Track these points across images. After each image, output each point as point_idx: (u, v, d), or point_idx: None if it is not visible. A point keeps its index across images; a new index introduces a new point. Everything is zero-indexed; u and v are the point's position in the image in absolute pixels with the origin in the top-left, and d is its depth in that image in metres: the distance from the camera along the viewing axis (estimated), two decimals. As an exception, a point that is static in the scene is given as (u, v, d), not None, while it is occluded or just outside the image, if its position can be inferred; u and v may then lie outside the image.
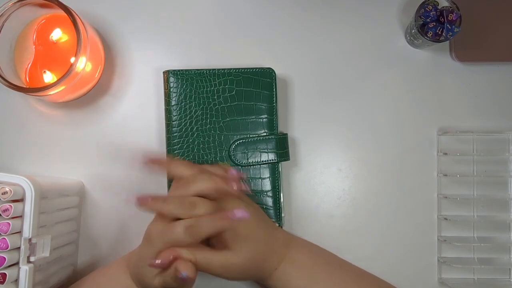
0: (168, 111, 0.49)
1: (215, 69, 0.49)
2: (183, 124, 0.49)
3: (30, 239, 0.38)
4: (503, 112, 0.53)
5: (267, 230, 0.44)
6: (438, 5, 0.49)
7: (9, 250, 0.36)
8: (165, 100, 0.49)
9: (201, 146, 0.48)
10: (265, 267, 0.43)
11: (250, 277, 0.44)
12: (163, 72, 0.49)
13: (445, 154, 0.52)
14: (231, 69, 0.49)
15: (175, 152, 0.48)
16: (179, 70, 0.49)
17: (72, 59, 0.43)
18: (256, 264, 0.42)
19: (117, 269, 0.44)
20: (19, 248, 0.38)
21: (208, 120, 0.49)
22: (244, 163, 0.48)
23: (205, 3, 0.53)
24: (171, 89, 0.49)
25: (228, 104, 0.49)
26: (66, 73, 0.43)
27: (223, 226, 0.40)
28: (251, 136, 0.49)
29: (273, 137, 0.49)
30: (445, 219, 0.51)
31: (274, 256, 0.43)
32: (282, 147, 0.49)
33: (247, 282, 0.51)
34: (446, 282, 0.51)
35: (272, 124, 0.49)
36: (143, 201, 0.40)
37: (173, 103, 0.49)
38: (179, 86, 0.49)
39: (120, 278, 0.43)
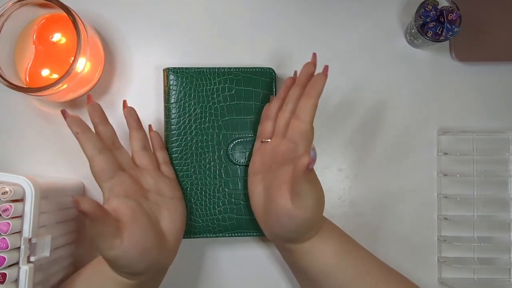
0: (167, 109, 0.49)
1: (215, 68, 0.49)
2: (181, 122, 0.49)
3: (30, 239, 0.38)
4: (503, 112, 0.53)
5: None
6: (438, 5, 0.49)
7: (9, 250, 0.36)
8: (165, 98, 0.49)
9: (199, 144, 0.48)
10: (289, 242, 0.42)
11: (282, 233, 0.41)
12: (163, 70, 0.49)
13: (445, 154, 0.52)
14: (231, 68, 0.49)
15: (173, 149, 0.48)
16: (179, 68, 0.49)
17: (72, 59, 0.43)
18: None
19: (103, 264, 0.42)
20: (19, 248, 0.38)
21: (207, 119, 0.49)
22: (242, 162, 0.48)
23: (205, 2, 0.53)
24: (171, 87, 0.49)
25: (228, 103, 0.49)
26: (66, 73, 0.43)
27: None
28: (249, 135, 0.49)
29: (272, 137, 0.49)
30: (445, 219, 0.51)
31: (304, 239, 0.42)
32: (281, 147, 0.49)
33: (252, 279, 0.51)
34: (446, 282, 0.51)
35: (271, 124, 0.49)
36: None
37: (172, 100, 0.49)
38: (179, 84, 0.49)
39: (105, 272, 0.42)
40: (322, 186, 0.53)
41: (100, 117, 0.43)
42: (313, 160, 0.36)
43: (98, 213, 0.36)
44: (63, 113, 0.41)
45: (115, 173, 0.42)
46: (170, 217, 0.43)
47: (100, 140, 0.42)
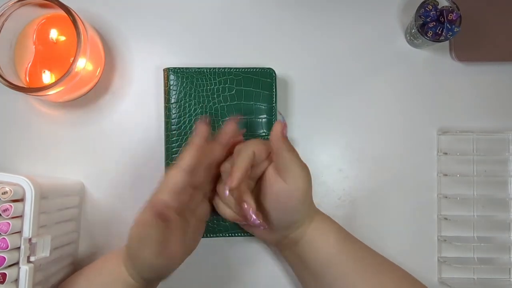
0: (167, 109, 0.49)
1: (215, 68, 0.49)
2: (182, 122, 0.49)
3: (30, 239, 0.38)
4: (503, 112, 0.53)
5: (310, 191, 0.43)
6: (438, 4, 0.49)
7: (9, 250, 0.36)
8: (165, 98, 0.49)
9: (200, 144, 0.48)
10: (297, 227, 0.43)
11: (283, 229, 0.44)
12: (164, 70, 0.49)
13: (445, 154, 0.52)
14: (231, 68, 0.49)
15: (173, 149, 0.48)
16: (179, 68, 0.49)
17: (72, 59, 0.43)
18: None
19: (113, 264, 0.42)
20: (19, 248, 0.38)
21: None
22: (244, 162, 0.48)
23: (205, 2, 0.53)
24: (171, 87, 0.49)
25: (228, 103, 0.49)
26: (66, 73, 0.43)
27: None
28: (249, 136, 0.49)
29: (272, 137, 0.49)
30: (445, 219, 0.51)
31: (307, 220, 0.43)
32: (281, 147, 0.49)
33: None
34: (446, 282, 0.51)
35: (271, 125, 0.49)
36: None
37: (172, 100, 0.49)
38: (179, 84, 0.49)
39: (112, 272, 0.42)
40: (322, 186, 0.53)
41: (228, 139, 0.43)
42: (284, 124, 0.39)
43: (169, 215, 0.38)
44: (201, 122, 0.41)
45: (180, 193, 0.40)
46: (192, 236, 0.44)
47: (200, 160, 0.40)
